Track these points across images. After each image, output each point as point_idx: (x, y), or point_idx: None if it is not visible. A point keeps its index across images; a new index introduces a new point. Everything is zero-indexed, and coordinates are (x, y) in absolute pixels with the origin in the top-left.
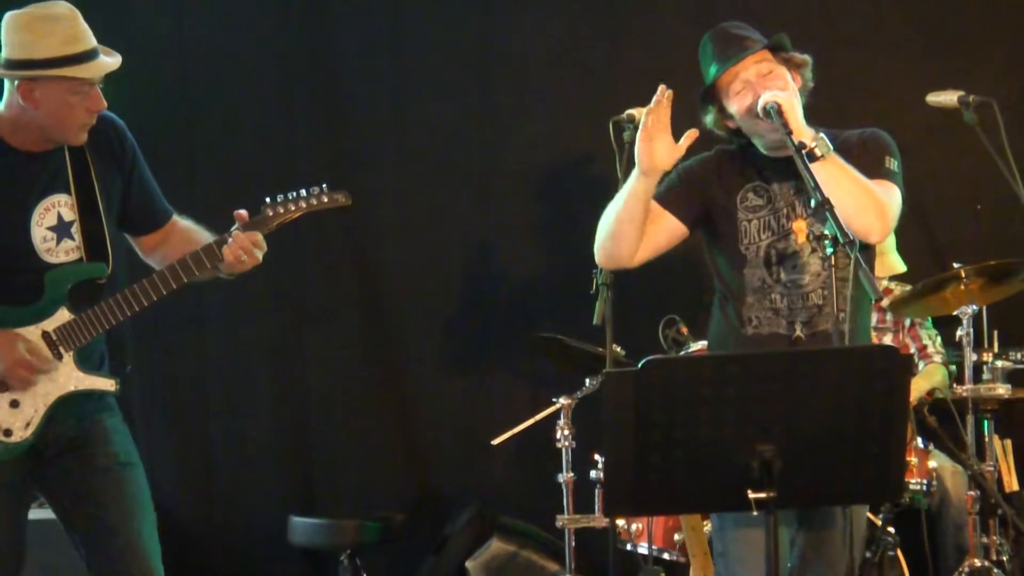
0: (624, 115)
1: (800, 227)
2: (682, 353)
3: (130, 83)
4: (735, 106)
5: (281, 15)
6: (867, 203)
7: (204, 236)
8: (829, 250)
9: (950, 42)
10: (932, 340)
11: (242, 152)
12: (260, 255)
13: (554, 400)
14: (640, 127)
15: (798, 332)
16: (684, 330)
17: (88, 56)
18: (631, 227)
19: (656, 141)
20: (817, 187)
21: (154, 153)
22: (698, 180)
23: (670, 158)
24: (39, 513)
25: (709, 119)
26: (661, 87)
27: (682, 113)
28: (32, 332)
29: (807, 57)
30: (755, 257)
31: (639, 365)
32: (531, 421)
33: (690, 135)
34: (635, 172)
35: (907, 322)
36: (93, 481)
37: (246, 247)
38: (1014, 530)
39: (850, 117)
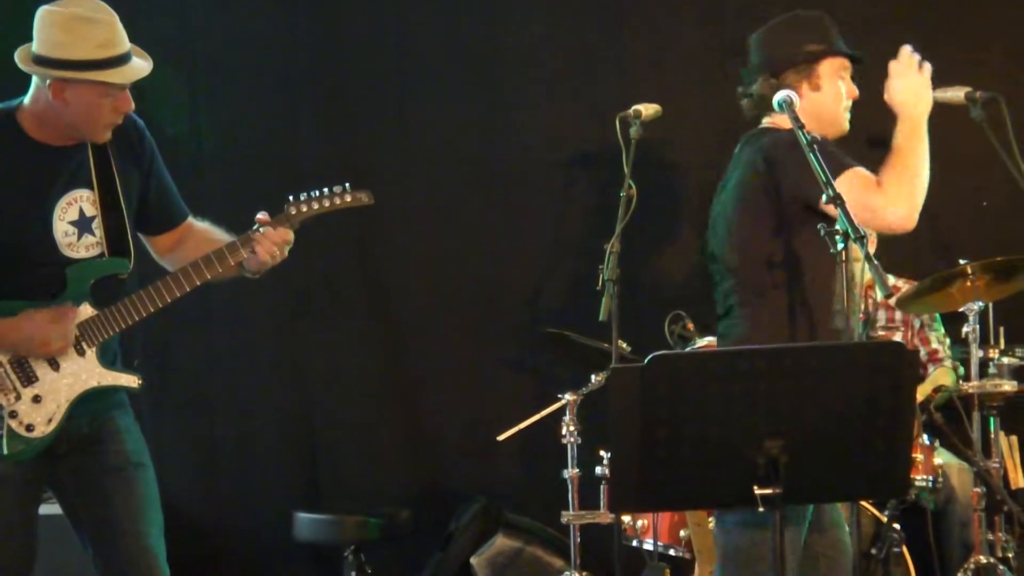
0: (631, 111)
1: None
2: (688, 349)
3: (137, 82)
4: (846, 87)
5: (286, 14)
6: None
7: (221, 236)
8: (840, 245)
9: (956, 38)
10: (942, 344)
11: (248, 151)
12: (288, 251)
13: (560, 396)
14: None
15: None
16: (690, 326)
17: (122, 60)
18: None
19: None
20: (829, 182)
21: (162, 151)
22: None
23: None
24: (48, 509)
25: (775, 88)
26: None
27: (690, 104)
28: None
29: None
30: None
31: (645, 361)
32: (537, 417)
33: None
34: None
35: (916, 324)
36: (104, 480)
37: (279, 244)
38: (1020, 527)
39: (855, 114)
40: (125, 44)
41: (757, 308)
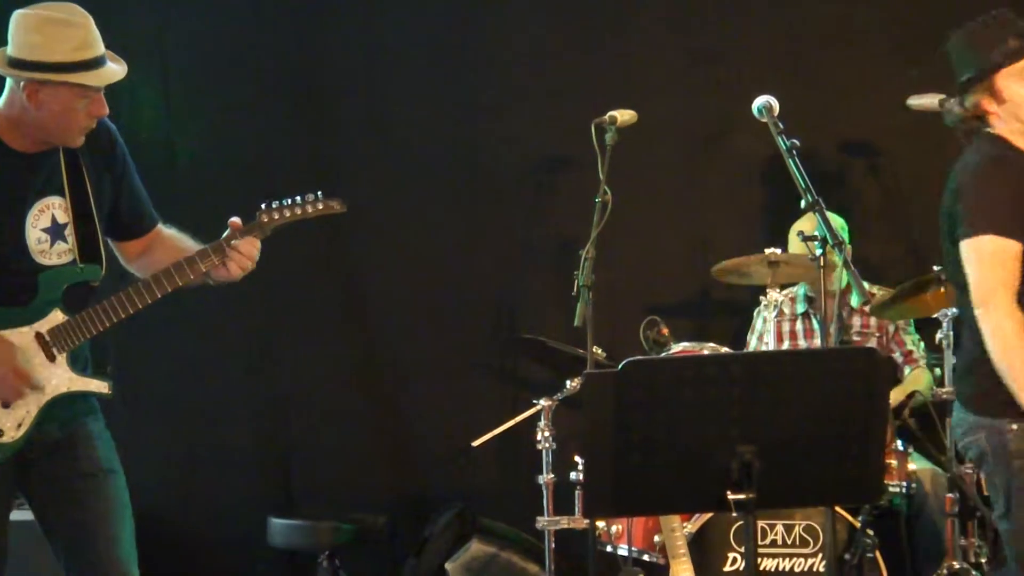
0: (606, 117)
1: None
2: (663, 355)
3: (112, 85)
4: None
5: (262, 18)
6: None
7: (189, 244)
8: (819, 251)
9: (930, 45)
10: (916, 345)
11: (222, 156)
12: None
13: (535, 402)
14: None
15: None
16: (665, 332)
17: (98, 63)
18: None
19: None
20: (808, 188)
21: (134, 155)
22: None
23: None
24: (20, 515)
25: (970, 101)
26: None
27: (665, 110)
28: (26, 333)
29: None
30: None
31: (619, 366)
32: (512, 422)
33: None
34: None
35: (891, 328)
36: (76, 486)
37: (251, 257)
38: (992, 532)
39: (831, 121)
40: (100, 47)
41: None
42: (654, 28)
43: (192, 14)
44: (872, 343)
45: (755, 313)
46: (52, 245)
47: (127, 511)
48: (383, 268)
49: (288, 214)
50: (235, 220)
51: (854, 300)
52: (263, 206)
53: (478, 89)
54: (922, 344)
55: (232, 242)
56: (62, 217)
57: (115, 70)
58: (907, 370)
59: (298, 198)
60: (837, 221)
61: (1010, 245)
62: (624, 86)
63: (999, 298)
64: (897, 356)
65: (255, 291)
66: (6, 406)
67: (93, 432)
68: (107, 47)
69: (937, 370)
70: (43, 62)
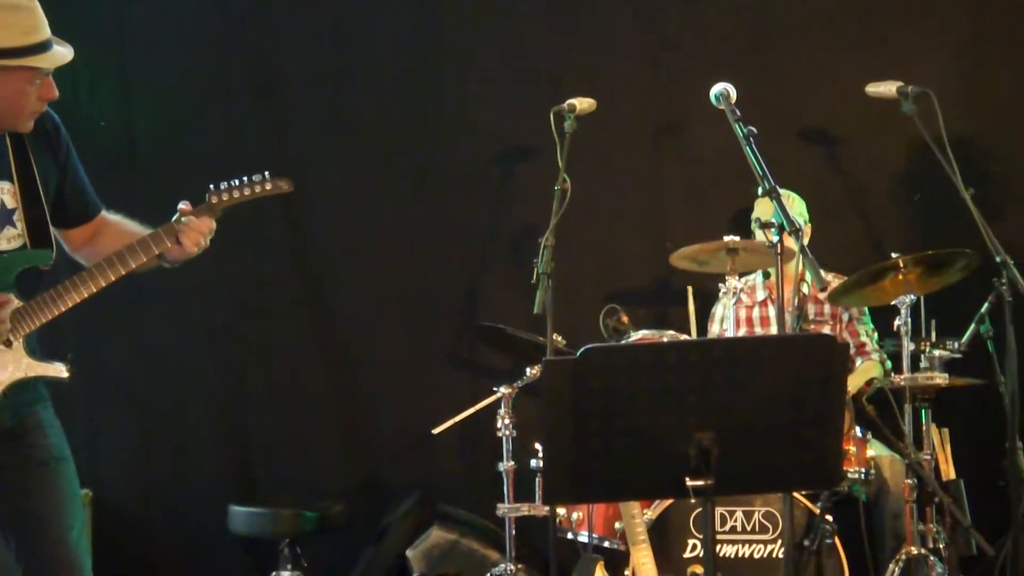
0: (565, 105)
1: None
2: (622, 342)
3: (70, 72)
4: None
5: (221, 6)
6: None
7: (135, 228)
8: (775, 237)
9: (889, 32)
10: (870, 337)
11: (181, 142)
12: (208, 241)
13: (495, 389)
14: None
15: None
16: (625, 319)
17: (46, 46)
18: None
19: None
20: (766, 175)
21: (93, 142)
22: None
23: None
24: None
25: None
26: None
27: (624, 98)
28: None
29: None
30: None
31: (578, 353)
32: (472, 410)
33: None
34: None
35: (845, 317)
36: (27, 475)
37: (203, 233)
38: (951, 518)
39: (790, 108)
40: (47, 30)
41: None
42: (614, 16)
43: (152, 3)
44: (826, 330)
45: (718, 299)
46: (1, 231)
47: (78, 499)
48: (343, 257)
49: (237, 195)
50: (184, 205)
51: (806, 287)
52: (212, 187)
53: (437, 76)
54: (875, 335)
55: (183, 219)
56: (10, 202)
57: (63, 52)
58: (859, 361)
59: (246, 178)
60: (797, 203)
61: None
62: (583, 74)
63: None
64: (850, 347)
65: (215, 279)
66: None
67: (44, 420)
68: (67, 30)
69: (888, 362)
70: None
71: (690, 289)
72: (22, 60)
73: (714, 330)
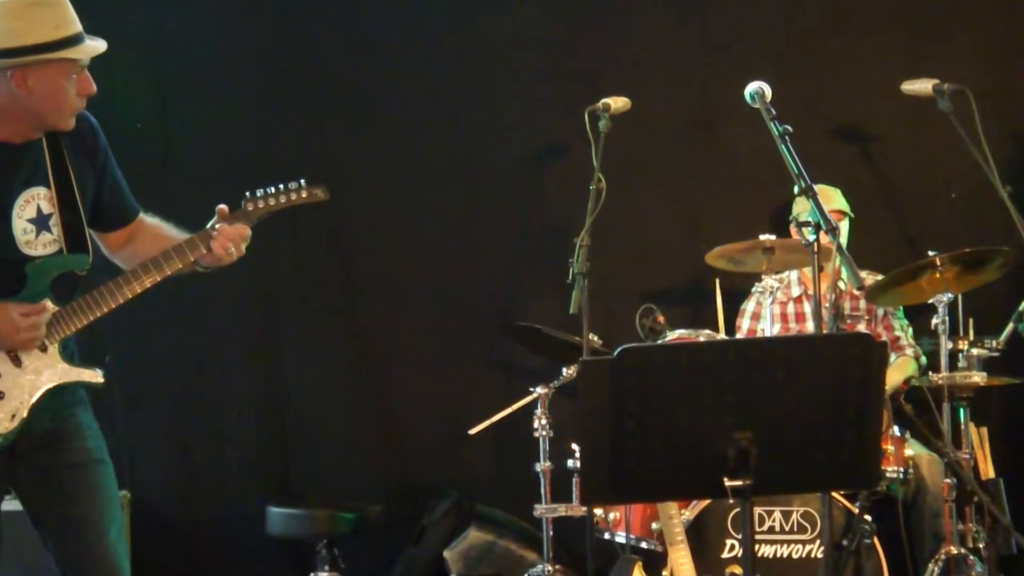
0: (599, 104)
1: None
2: (659, 342)
3: (105, 73)
4: None
5: (257, 10)
6: None
7: (173, 233)
8: (812, 236)
9: (924, 30)
10: (904, 332)
11: (216, 148)
12: (244, 248)
13: (531, 389)
14: None
15: None
16: (661, 319)
17: (79, 39)
18: None
19: None
20: (801, 173)
21: (127, 145)
22: None
23: None
24: (10, 505)
25: None
26: None
27: (660, 97)
28: None
29: None
30: None
31: (615, 353)
32: (508, 411)
33: None
34: None
35: (880, 312)
36: (66, 478)
37: (235, 240)
38: (990, 517)
39: (825, 106)
40: (78, 24)
41: None
42: (648, 15)
43: (188, 5)
44: (861, 326)
45: (749, 295)
46: (37, 236)
47: (117, 501)
48: (379, 258)
49: (272, 202)
50: (223, 207)
51: (842, 284)
52: (248, 194)
53: (472, 79)
54: (910, 331)
55: (217, 226)
56: (47, 207)
57: (97, 44)
58: (893, 357)
59: (282, 185)
60: (837, 196)
61: None
62: (617, 73)
63: None
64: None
65: (253, 282)
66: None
67: (83, 423)
68: (100, 32)
69: (923, 358)
70: (27, 46)
71: (718, 282)
72: (58, 53)
73: (742, 325)
